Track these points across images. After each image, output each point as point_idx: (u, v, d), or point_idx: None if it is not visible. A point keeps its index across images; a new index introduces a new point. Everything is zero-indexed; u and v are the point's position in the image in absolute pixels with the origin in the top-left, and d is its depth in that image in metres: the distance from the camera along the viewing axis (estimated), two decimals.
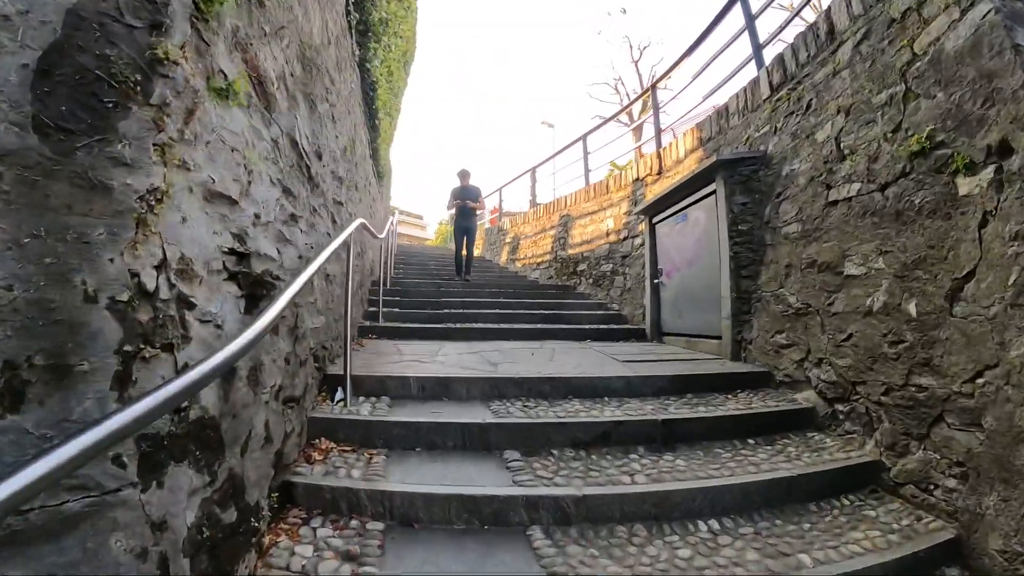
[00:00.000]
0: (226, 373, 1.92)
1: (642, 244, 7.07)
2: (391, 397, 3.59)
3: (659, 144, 7.50)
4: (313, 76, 2.84)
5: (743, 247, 4.87)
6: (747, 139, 5.24)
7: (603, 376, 3.80)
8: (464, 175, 9.21)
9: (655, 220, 6.55)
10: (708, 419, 3.43)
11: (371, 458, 2.95)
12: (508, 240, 12.78)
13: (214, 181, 1.72)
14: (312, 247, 2.96)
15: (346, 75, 4.03)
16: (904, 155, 3.19)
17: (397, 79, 7.71)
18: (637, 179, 7.59)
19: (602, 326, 6.75)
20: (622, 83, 23.60)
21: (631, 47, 26.09)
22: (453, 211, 9.41)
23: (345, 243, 3.32)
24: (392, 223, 8.86)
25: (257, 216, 2.10)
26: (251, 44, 1.93)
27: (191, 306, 1.67)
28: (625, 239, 7.63)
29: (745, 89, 5.43)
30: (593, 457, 3.03)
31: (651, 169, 7.22)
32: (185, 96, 1.53)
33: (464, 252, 9.07)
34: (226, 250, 1.87)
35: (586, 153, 9.74)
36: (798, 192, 4.29)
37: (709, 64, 6.97)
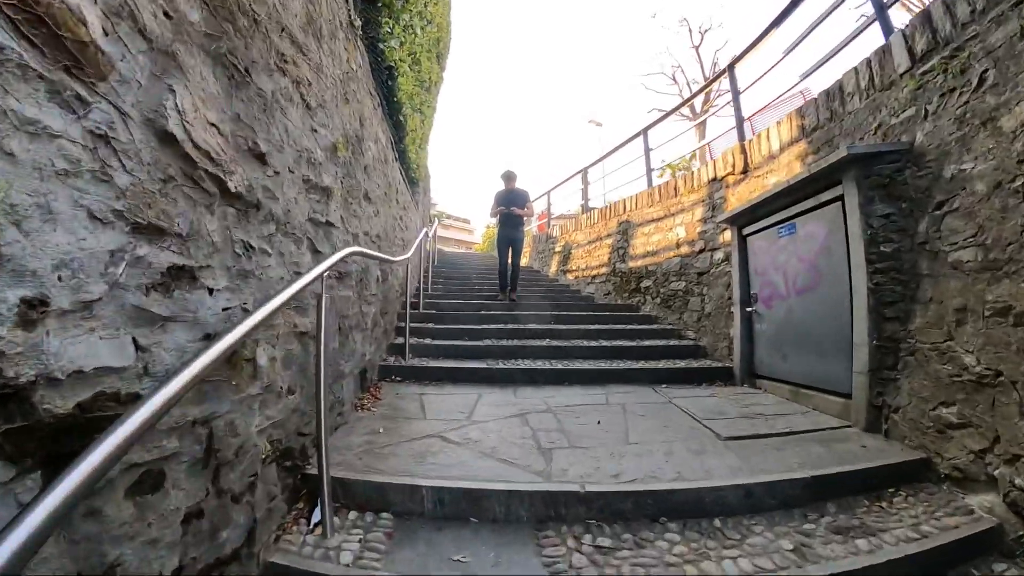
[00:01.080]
0: None
1: (725, 260, 5.73)
2: (395, 514, 2.42)
3: (741, 136, 6.13)
4: (240, 30, 1.71)
5: (887, 276, 3.51)
6: (878, 127, 3.88)
7: (711, 486, 2.50)
8: (509, 177, 7.95)
9: (746, 231, 5.19)
10: (875, 567, 2.15)
11: None
12: (558, 249, 11.51)
13: None
14: (247, 307, 1.83)
15: (336, 48, 2.91)
16: None
17: (427, 70, 6.60)
18: (714, 179, 6.24)
19: (678, 363, 5.43)
20: (682, 71, 21.79)
21: (690, 31, 23.82)
22: (496, 219, 8.19)
23: (313, 288, 2.20)
24: (424, 235, 7.77)
25: (37, 303, 0.97)
26: None
27: None
28: (701, 252, 6.29)
29: (869, 62, 4.06)
30: None
31: (733, 167, 5.86)
32: None
33: (510, 265, 7.90)
34: None
35: (647, 150, 8.39)
36: (974, 203, 2.95)
37: (808, 34, 5.58)
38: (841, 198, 3.86)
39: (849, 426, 3.64)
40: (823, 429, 3.58)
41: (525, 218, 7.96)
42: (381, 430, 3.27)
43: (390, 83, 4.58)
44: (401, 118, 5.38)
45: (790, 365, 4.50)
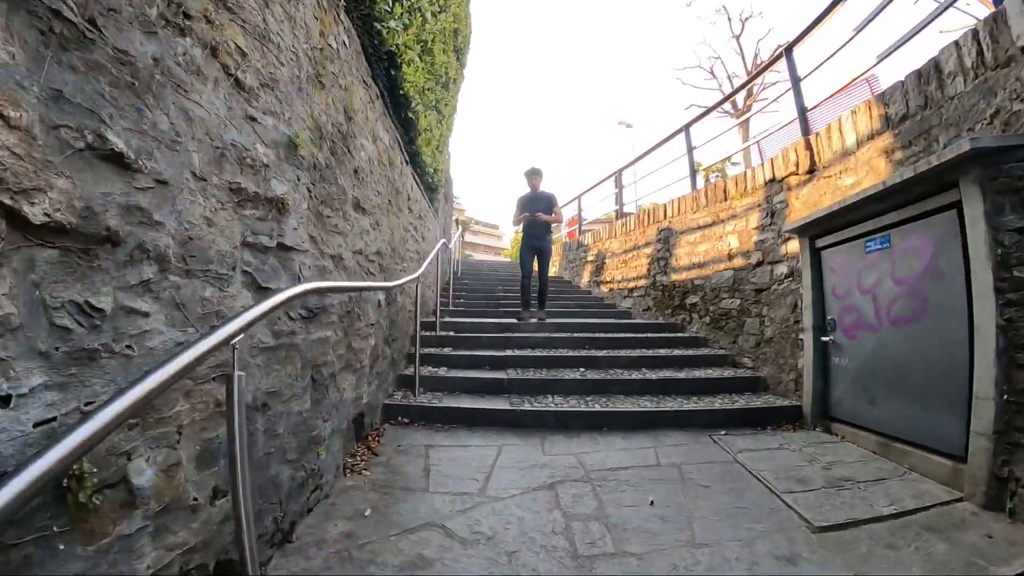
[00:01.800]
0: None
1: (790, 276, 4.89)
2: None
3: (805, 129, 5.29)
4: None
5: (1023, 311, 2.69)
6: (994, 114, 3.07)
7: None
8: (533, 174, 6.97)
9: (821, 243, 4.35)
10: None
11: None
12: (590, 258, 10.69)
13: None
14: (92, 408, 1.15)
15: (301, 15, 2.16)
16: None
17: (443, 64, 5.90)
18: (772, 180, 5.41)
19: (736, 400, 4.60)
20: (721, 63, 20.58)
21: (729, 19, 22.15)
22: (520, 227, 7.33)
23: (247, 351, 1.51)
24: (443, 245, 7.12)
25: None
26: None
27: None
28: (759, 265, 5.46)
29: (975, 34, 3.24)
30: None
31: (796, 165, 5.02)
32: None
33: (536, 278, 7.02)
34: None
35: (690, 148, 7.54)
36: None
37: (887, 5, 4.71)
38: (957, 205, 3.04)
39: (961, 499, 2.83)
40: (932, 506, 2.77)
41: (553, 224, 7.11)
42: (368, 512, 2.56)
43: (393, 72, 3.88)
44: (411, 115, 4.69)
45: (879, 411, 3.67)
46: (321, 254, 2.52)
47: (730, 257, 5.97)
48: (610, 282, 9.39)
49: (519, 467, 3.24)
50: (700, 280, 6.51)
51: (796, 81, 5.59)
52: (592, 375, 4.93)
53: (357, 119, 3.16)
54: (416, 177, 5.92)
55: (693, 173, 7.37)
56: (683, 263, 6.95)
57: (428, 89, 5.26)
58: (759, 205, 5.59)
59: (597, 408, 4.22)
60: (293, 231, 2.15)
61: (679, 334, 6.48)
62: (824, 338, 4.26)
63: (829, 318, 4.24)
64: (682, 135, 7.76)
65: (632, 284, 8.43)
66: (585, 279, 10.83)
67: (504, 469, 3.20)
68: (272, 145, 1.96)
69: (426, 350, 5.45)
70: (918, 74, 3.71)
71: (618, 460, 3.38)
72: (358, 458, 3.26)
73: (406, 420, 4.14)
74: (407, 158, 5.16)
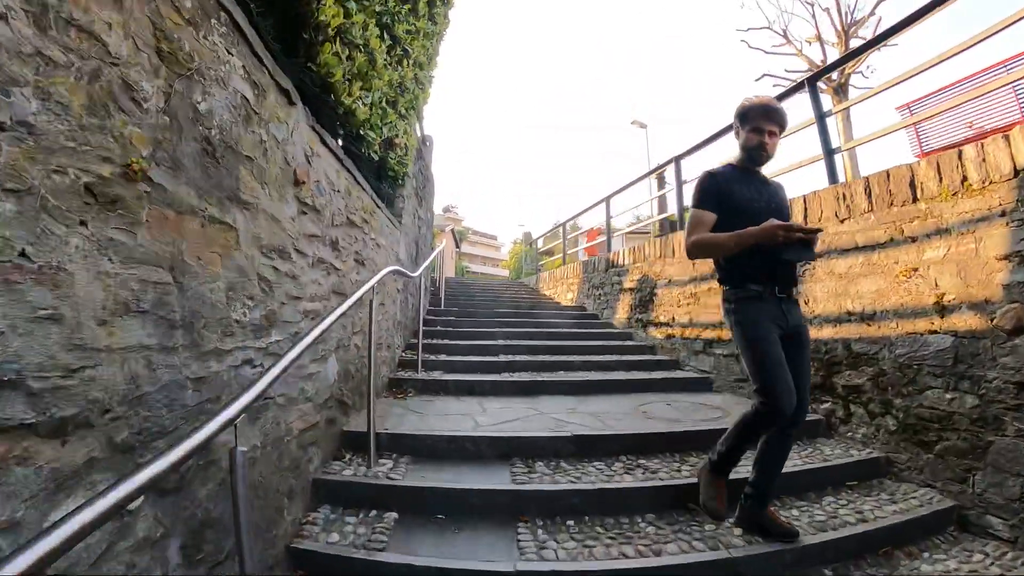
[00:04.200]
0: None
1: None
2: None
3: None
4: None
5: None
6: None
7: None
8: (768, 118, 2.73)
9: None
10: None
11: None
12: (629, 284, 8.02)
13: None
14: None
15: None
16: None
17: None
18: None
19: None
20: (814, 16, 17.10)
21: None
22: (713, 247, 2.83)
23: None
24: (377, 282, 4.62)
25: None
26: None
27: None
28: (1017, 332, 2.92)
29: None
30: None
31: None
32: None
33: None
34: None
35: (820, 115, 4.97)
36: None
37: None
38: None
39: None
40: None
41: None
42: None
43: None
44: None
45: None
46: None
47: (940, 309, 3.42)
48: (667, 325, 6.75)
49: None
50: (865, 344, 3.94)
51: None
52: None
53: None
54: (331, 144, 3.32)
55: (830, 154, 4.79)
56: (823, 309, 4.37)
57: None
58: (1003, 213, 3.07)
59: None
60: None
61: (835, 446, 3.81)
62: None
63: None
64: (803, 94, 5.24)
65: (712, 333, 5.81)
66: (621, 314, 8.18)
67: None
68: None
69: (335, 535, 2.82)
70: None
71: None
72: None
73: None
74: (293, 94, 2.60)
